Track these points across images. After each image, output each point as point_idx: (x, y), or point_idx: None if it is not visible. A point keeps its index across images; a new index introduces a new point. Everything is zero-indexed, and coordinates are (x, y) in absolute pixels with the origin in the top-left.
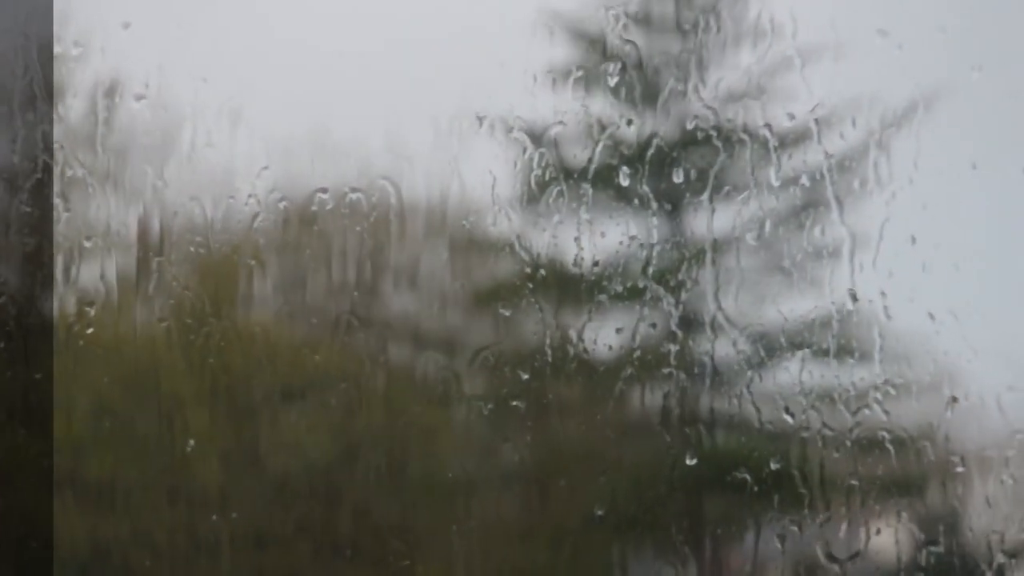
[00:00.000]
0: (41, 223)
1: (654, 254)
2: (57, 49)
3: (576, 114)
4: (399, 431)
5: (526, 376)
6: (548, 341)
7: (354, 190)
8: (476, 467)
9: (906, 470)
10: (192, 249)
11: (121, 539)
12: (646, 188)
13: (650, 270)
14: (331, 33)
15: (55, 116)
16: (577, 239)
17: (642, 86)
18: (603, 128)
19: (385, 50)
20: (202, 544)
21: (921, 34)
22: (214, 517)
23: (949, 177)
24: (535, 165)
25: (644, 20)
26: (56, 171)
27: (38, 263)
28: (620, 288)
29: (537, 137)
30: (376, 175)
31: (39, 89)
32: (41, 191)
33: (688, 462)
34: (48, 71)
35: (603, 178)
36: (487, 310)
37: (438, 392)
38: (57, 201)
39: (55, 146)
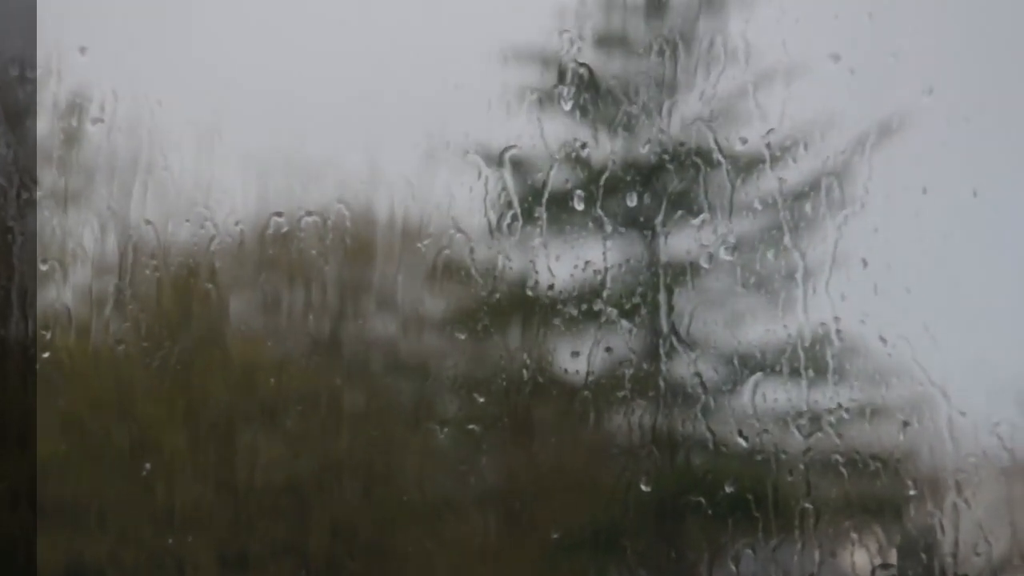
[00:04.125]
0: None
1: (608, 278)
2: (14, 72)
3: (531, 137)
4: (355, 453)
5: (482, 399)
6: (504, 364)
7: (309, 213)
8: (433, 489)
9: (859, 493)
10: (148, 272)
11: (102, 561)
12: (600, 212)
13: (605, 294)
14: (288, 58)
15: (13, 139)
16: (532, 262)
17: (597, 110)
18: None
19: (341, 74)
20: (180, 565)
21: (873, 59)
22: (190, 538)
23: (900, 201)
24: (489, 189)
25: (599, 44)
26: (11, 193)
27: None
28: (575, 312)
29: (492, 160)
30: (331, 198)
31: None
32: None
33: (644, 487)
34: (5, 94)
35: (558, 202)
36: (443, 333)
37: (391, 415)
38: (12, 224)
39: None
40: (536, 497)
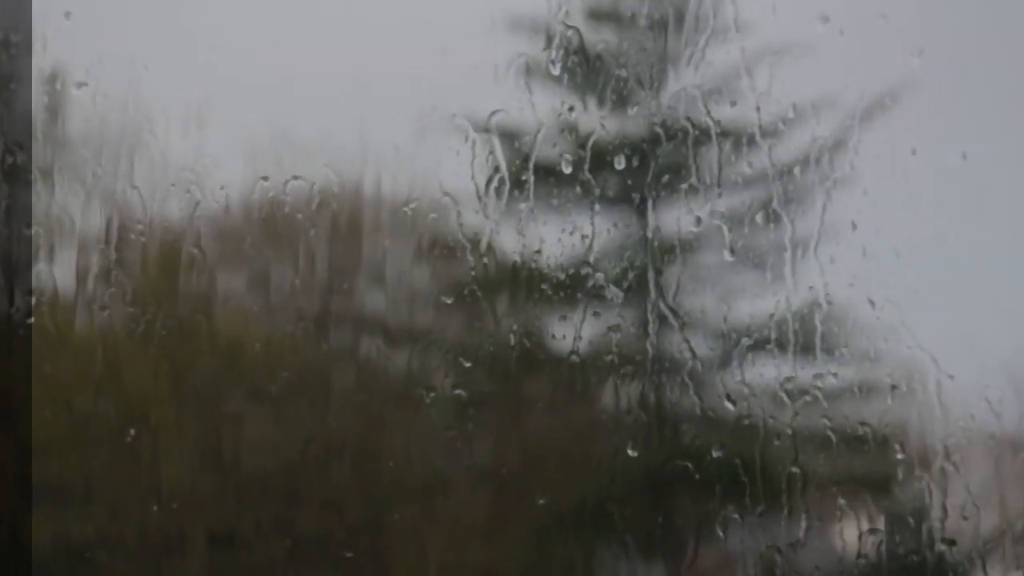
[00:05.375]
0: None
1: (596, 243)
2: None
3: (519, 102)
4: (339, 419)
5: (468, 364)
6: (491, 328)
7: (296, 177)
8: (419, 455)
9: (847, 458)
10: (133, 237)
11: (94, 539)
12: (588, 176)
13: (592, 258)
14: (273, 22)
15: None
16: (519, 226)
17: (585, 75)
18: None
19: (327, 39)
20: (173, 543)
21: (863, 20)
22: (187, 515)
23: (890, 163)
24: (476, 153)
25: (588, 10)
26: None
27: None
28: (562, 276)
29: (479, 125)
30: (318, 163)
31: None
32: None
33: (631, 452)
34: None
35: (545, 166)
36: (430, 297)
37: (377, 380)
38: None
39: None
40: (523, 462)
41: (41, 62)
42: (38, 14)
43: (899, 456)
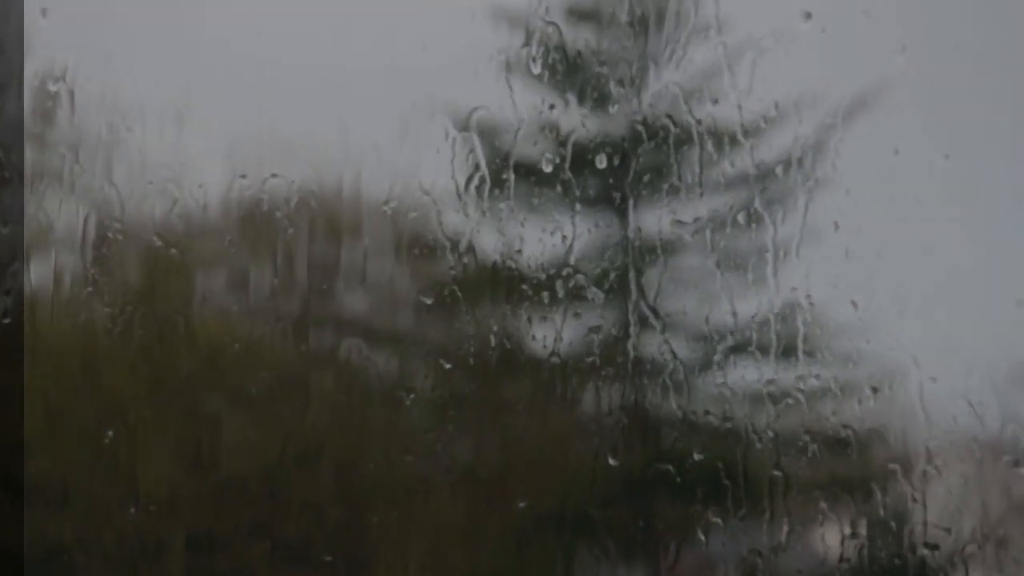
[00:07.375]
0: None
1: (577, 242)
2: None
3: (499, 99)
4: (319, 419)
5: (448, 365)
6: (471, 328)
7: (274, 175)
8: (397, 455)
9: (829, 461)
10: (110, 235)
11: (75, 541)
12: (569, 174)
13: (573, 258)
14: (254, 18)
15: None
16: (499, 225)
17: (566, 72)
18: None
19: (307, 34)
20: (159, 546)
21: (845, 17)
22: (172, 517)
23: (872, 163)
24: (456, 151)
25: (567, 5)
26: None
27: None
28: (543, 276)
29: (460, 122)
30: (297, 160)
31: None
32: None
33: (611, 460)
34: None
35: (526, 164)
36: (409, 296)
37: (355, 380)
38: None
39: None
40: (504, 463)
41: (21, 60)
42: (13, 11)
43: (881, 459)
